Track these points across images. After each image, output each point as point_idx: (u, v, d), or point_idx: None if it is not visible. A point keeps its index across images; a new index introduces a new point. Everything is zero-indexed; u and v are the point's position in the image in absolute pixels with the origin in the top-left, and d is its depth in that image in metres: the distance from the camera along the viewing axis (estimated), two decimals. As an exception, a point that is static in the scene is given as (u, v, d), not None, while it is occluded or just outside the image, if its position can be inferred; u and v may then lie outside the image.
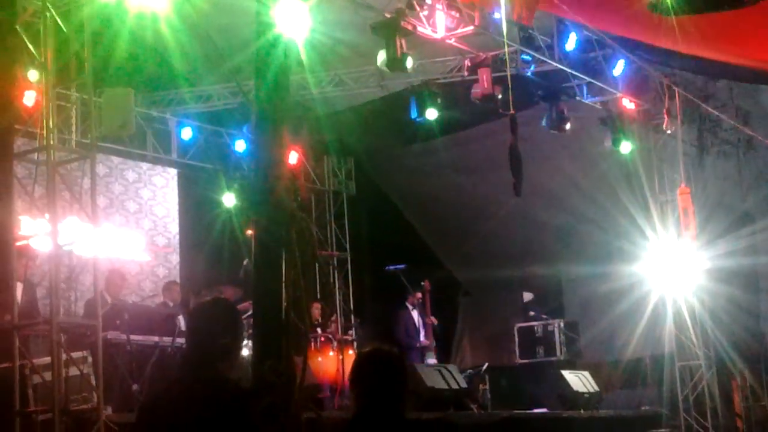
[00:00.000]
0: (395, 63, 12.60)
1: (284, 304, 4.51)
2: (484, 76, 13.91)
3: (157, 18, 12.45)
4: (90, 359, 10.20)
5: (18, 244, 10.36)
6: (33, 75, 11.29)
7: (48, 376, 9.57)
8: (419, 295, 15.65)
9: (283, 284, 4.52)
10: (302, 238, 4.65)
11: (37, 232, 10.76)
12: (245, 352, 5.13)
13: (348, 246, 19.38)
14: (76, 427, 9.41)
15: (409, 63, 12.77)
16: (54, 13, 10.31)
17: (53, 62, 10.35)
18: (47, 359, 9.82)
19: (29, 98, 11.84)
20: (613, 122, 15.71)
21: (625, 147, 15.71)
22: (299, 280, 4.54)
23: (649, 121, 16.46)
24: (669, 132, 16.16)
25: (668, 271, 16.06)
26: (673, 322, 16.17)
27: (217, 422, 4.35)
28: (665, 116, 15.94)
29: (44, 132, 10.29)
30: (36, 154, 10.60)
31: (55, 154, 10.26)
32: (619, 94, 15.55)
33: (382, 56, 12.57)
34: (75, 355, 10.04)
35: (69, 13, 10.73)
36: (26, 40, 10.32)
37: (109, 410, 10.05)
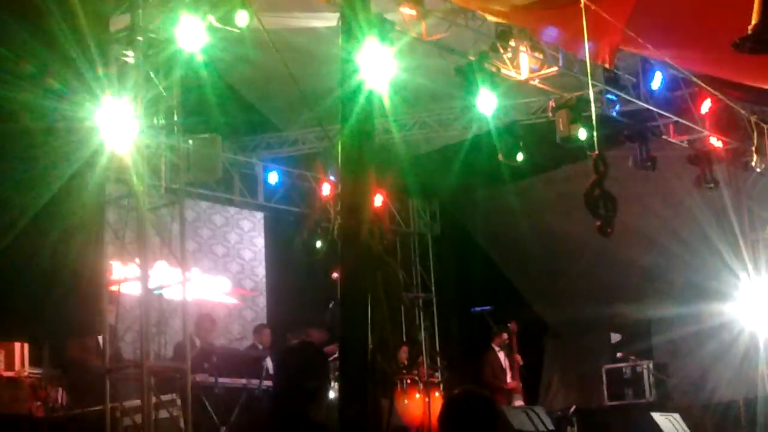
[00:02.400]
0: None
1: (370, 346, 4.52)
2: (561, 120, 13.88)
3: (244, 64, 12.66)
4: (179, 402, 10.31)
5: (108, 289, 10.56)
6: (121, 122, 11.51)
7: (138, 419, 9.69)
8: (505, 335, 15.55)
9: (369, 327, 4.54)
10: (388, 281, 4.67)
11: (127, 276, 10.96)
12: (331, 394, 5.15)
13: (433, 288, 19.37)
14: (166, 470, 9.52)
15: (491, 104, 12.73)
16: (143, 61, 10.55)
17: (143, 109, 10.57)
18: (137, 402, 9.95)
19: (118, 145, 12.08)
20: (700, 161, 15.52)
21: (713, 186, 15.49)
22: (385, 323, 4.56)
23: (738, 159, 16.23)
24: (758, 170, 15.91)
25: (761, 310, 15.75)
26: (766, 364, 15.83)
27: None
28: (754, 154, 15.70)
29: (134, 178, 10.49)
30: (126, 200, 10.81)
31: (145, 200, 10.45)
32: (706, 133, 15.38)
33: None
34: (164, 398, 10.17)
35: (158, 62, 10.97)
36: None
37: (198, 453, 10.14)
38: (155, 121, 11.13)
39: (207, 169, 13.87)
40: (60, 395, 11.17)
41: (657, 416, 15.08)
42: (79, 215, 9.77)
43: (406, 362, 15.35)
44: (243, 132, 16.58)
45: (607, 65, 12.21)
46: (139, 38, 10.62)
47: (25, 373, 11.11)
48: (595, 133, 11.78)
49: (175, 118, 10.86)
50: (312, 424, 4.57)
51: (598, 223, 10.44)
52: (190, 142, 13.40)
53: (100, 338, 10.93)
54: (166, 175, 13.10)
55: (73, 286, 10.12)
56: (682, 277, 16.85)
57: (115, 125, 10.55)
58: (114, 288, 11.02)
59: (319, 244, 16.61)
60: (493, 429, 4.74)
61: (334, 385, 5.11)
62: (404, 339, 17.12)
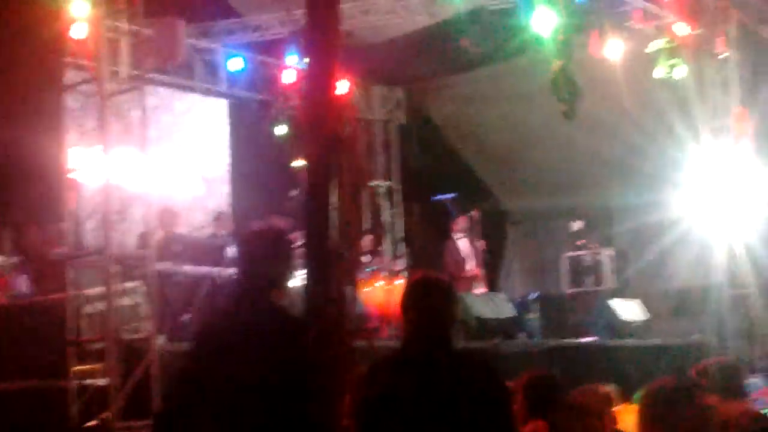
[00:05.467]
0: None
1: (333, 232, 4.51)
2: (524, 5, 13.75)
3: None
4: (142, 290, 10.32)
5: (68, 176, 10.46)
6: (82, 7, 11.29)
7: (101, 306, 9.70)
8: (466, 222, 15.57)
9: (332, 212, 4.53)
10: (350, 167, 4.64)
11: (87, 163, 10.86)
12: (296, 281, 5.17)
13: (397, 176, 19.38)
14: (129, 356, 9.55)
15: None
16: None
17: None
18: (100, 289, 9.95)
19: (78, 31, 11.86)
20: (665, 47, 15.44)
21: (678, 73, 15.43)
22: (348, 208, 4.55)
23: (703, 46, 16.13)
24: (723, 57, 15.86)
25: (720, 200, 15.85)
26: (722, 252, 15.99)
27: (270, 349, 4.40)
28: (720, 40, 15.62)
29: (95, 64, 10.33)
30: (86, 86, 10.66)
31: (106, 86, 10.30)
32: (672, 19, 15.26)
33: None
34: (127, 285, 10.17)
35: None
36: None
37: (161, 340, 10.19)
38: (115, 4, 10.90)
39: (168, 55, 13.70)
40: (23, 283, 11.15)
41: (616, 302, 15.32)
42: (37, 100, 9.64)
43: (368, 249, 15.41)
44: (205, 17, 16.33)
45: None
46: None
47: (-13, 262, 11.08)
48: (560, 19, 11.71)
49: (137, 1, 10.63)
50: (276, 309, 4.59)
51: (564, 108, 10.45)
52: (152, 26, 13.20)
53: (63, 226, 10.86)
54: (126, 61, 12.92)
55: (33, 173, 10.03)
56: (644, 167, 16.92)
57: (74, 9, 10.35)
58: (74, 176, 10.92)
59: (282, 130, 16.54)
60: (453, 312, 4.77)
61: (298, 271, 5.10)
62: (366, 227, 17.19)
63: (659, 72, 15.43)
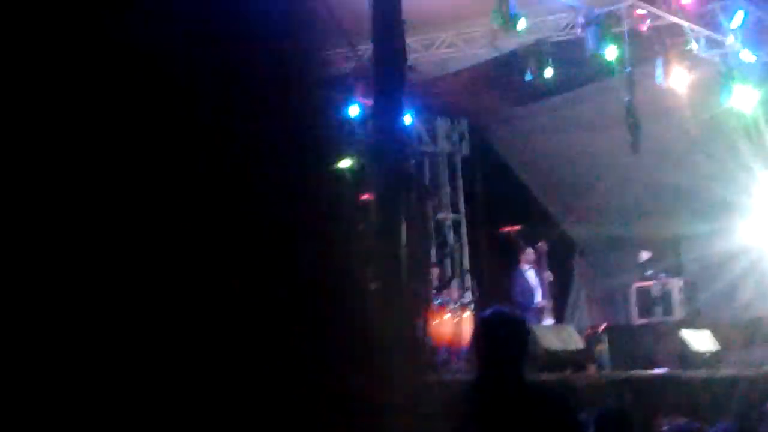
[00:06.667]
0: (507, 23, 12.51)
1: (404, 265, 4.52)
2: (590, 36, 13.74)
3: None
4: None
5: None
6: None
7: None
8: (530, 250, 15.51)
9: (403, 246, 4.54)
10: (420, 200, 4.66)
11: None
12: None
13: (462, 208, 19.35)
14: None
15: (522, 24, 12.66)
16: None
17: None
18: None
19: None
20: (732, 76, 15.32)
21: (746, 101, 15.31)
22: (418, 242, 4.56)
23: (771, 74, 16.00)
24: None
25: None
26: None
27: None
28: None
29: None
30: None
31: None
32: (738, 47, 15.15)
33: (494, 17, 12.51)
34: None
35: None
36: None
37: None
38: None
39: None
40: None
41: (686, 333, 15.12)
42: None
43: (435, 282, 15.39)
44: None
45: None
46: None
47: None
48: (626, 49, 11.66)
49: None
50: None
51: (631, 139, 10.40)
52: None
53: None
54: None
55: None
56: (713, 195, 16.75)
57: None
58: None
59: (347, 164, 16.62)
60: (525, 346, 4.78)
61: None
62: (434, 259, 17.18)
63: (726, 99, 15.33)
